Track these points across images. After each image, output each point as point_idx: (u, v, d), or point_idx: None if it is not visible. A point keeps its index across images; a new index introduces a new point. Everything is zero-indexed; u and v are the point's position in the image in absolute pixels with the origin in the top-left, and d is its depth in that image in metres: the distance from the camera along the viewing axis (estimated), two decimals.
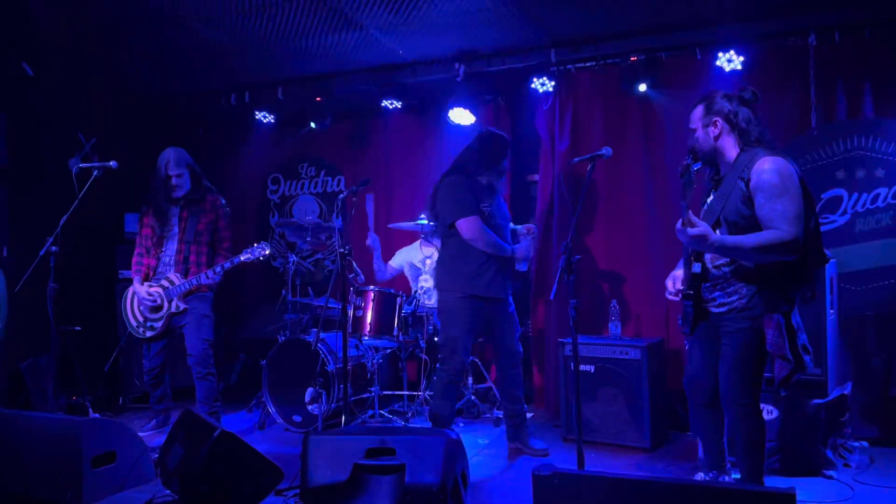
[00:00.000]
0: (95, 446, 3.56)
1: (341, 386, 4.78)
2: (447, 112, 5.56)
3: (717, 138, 3.17)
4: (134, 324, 4.87)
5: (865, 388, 4.44)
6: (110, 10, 4.56)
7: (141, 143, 5.69)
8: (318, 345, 4.90)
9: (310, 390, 4.83)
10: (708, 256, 3.16)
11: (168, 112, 6.50)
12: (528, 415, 5.29)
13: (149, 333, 4.82)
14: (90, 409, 5.06)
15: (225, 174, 6.74)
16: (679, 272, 3.37)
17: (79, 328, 5.20)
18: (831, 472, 3.84)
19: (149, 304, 4.74)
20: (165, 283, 4.74)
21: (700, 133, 3.21)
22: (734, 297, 3.11)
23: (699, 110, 3.22)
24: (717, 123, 3.16)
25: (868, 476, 3.85)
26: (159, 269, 4.82)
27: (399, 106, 5.81)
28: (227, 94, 6.32)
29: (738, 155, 3.14)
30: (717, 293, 3.16)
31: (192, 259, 4.75)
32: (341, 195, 3.92)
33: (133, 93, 6.21)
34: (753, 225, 3.00)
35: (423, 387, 5.25)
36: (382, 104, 5.79)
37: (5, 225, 5.32)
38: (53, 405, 4.62)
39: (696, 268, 3.16)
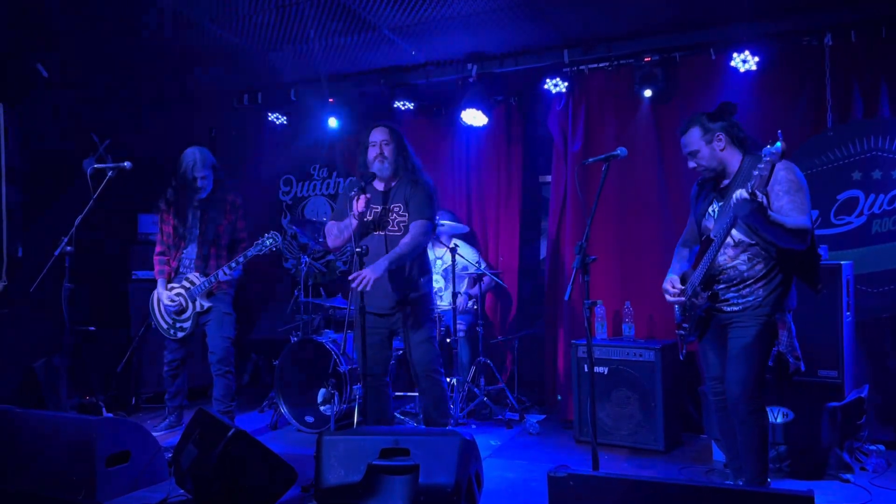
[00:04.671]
0: (109, 446, 3.57)
1: (353, 387, 4.79)
2: (459, 113, 5.55)
3: (722, 150, 3.31)
4: (165, 326, 4.92)
5: (882, 391, 4.40)
6: (123, 11, 4.58)
7: (154, 145, 5.72)
8: (330, 345, 4.90)
9: (322, 391, 4.83)
10: (722, 258, 3.25)
11: (181, 113, 6.52)
12: (541, 416, 5.30)
13: (180, 335, 4.88)
14: (103, 409, 5.08)
15: (237, 175, 6.74)
16: (674, 276, 3.48)
17: (92, 328, 5.22)
18: (848, 476, 3.81)
19: (173, 309, 4.80)
20: (186, 283, 4.79)
21: (705, 151, 3.32)
22: (750, 298, 3.22)
23: (696, 132, 3.33)
24: (721, 137, 3.30)
25: (885, 479, 3.81)
26: (181, 271, 4.87)
27: (411, 107, 5.81)
28: (240, 95, 6.34)
29: (742, 162, 3.30)
30: (731, 294, 3.26)
31: (213, 263, 4.79)
32: (351, 193, 3.90)
33: (146, 94, 6.24)
34: None
35: None
36: (395, 105, 5.79)
37: (20, 225, 5.35)
38: (66, 405, 4.64)
39: (723, 261, 3.24)
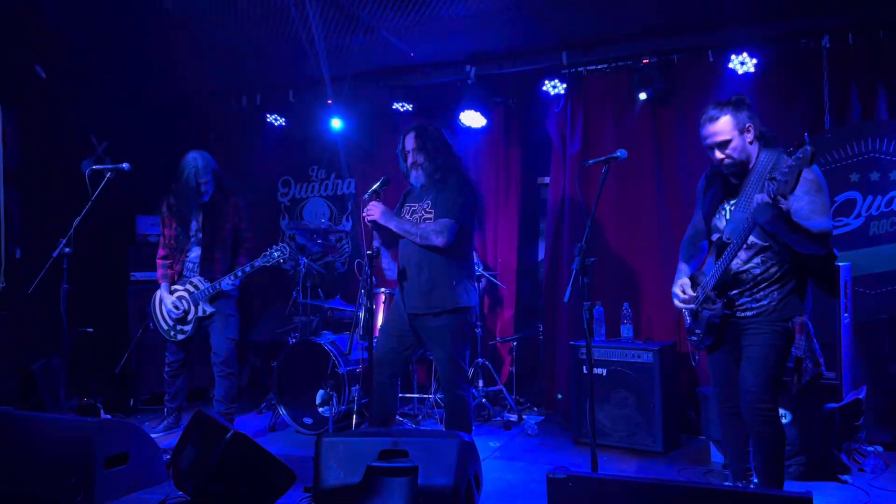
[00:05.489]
0: (108, 447, 3.56)
1: (352, 388, 4.79)
2: (458, 114, 5.56)
3: (751, 143, 3.11)
4: (165, 327, 4.94)
5: (880, 393, 4.40)
6: (122, 12, 4.57)
7: (152, 146, 5.71)
8: (329, 346, 4.90)
9: (320, 392, 4.83)
10: (735, 262, 3.14)
11: (179, 114, 6.52)
12: (540, 418, 5.30)
13: (180, 337, 4.89)
14: (102, 410, 5.08)
15: (235, 176, 6.72)
16: (685, 279, 3.32)
17: (91, 329, 5.22)
18: (846, 477, 3.82)
19: (177, 316, 4.82)
20: (190, 287, 4.80)
21: (738, 141, 3.07)
22: (764, 302, 3.10)
23: (729, 120, 3.07)
24: (751, 128, 3.10)
25: (883, 481, 3.82)
26: (184, 274, 4.88)
27: (410, 108, 5.82)
28: (239, 96, 6.33)
29: (757, 157, 3.13)
30: (745, 298, 3.15)
31: (217, 266, 4.79)
32: (365, 196, 3.89)
33: (145, 95, 6.23)
34: None
35: (433, 389, 5.24)
36: (393, 107, 5.80)
37: (18, 226, 5.34)
38: (65, 406, 4.64)
39: (736, 265, 3.11)
